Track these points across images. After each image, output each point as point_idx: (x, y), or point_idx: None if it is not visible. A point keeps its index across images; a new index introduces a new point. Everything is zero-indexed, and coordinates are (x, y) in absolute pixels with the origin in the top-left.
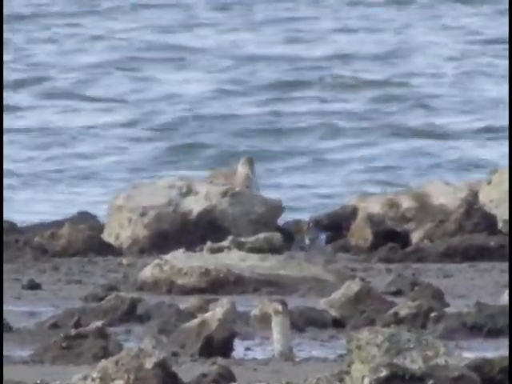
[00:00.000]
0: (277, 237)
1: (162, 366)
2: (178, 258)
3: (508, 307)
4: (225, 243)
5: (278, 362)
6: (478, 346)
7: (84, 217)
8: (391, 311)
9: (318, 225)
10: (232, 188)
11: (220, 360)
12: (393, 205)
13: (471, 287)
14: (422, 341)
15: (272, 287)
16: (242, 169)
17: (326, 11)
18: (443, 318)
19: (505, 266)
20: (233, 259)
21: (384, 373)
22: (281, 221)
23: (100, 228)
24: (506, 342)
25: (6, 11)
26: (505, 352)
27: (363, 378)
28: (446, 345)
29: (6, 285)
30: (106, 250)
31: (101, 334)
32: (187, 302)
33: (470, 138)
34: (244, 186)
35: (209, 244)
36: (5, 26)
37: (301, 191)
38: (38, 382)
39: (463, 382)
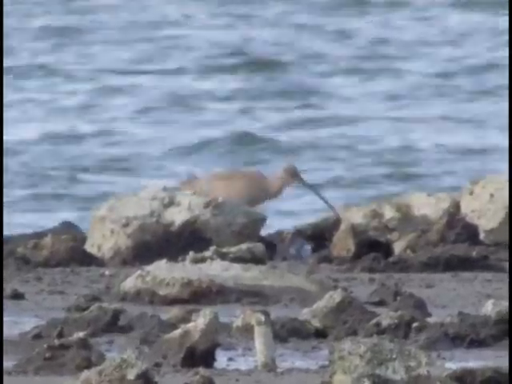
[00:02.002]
0: (259, 247)
1: (144, 376)
2: (160, 268)
3: (491, 317)
4: (207, 253)
5: (260, 373)
6: (461, 356)
7: (67, 227)
8: (373, 321)
9: (301, 235)
10: (215, 199)
11: (202, 371)
12: (375, 215)
13: (453, 297)
14: (405, 351)
15: (254, 297)
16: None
17: None
18: (425, 328)
19: (487, 275)
20: (215, 269)
21: (366, 383)
22: (263, 231)
23: (83, 239)
24: (488, 352)
25: None
26: (487, 362)
27: None
28: (429, 355)
29: None
30: (89, 260)
31: (84, 344)
32: (169, 313)
33: None
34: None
35: (191, 254)
36: None
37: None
38: None
39: None
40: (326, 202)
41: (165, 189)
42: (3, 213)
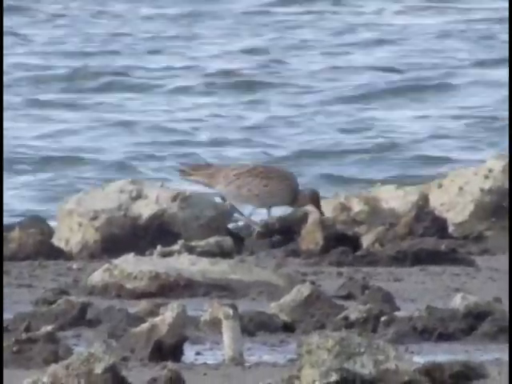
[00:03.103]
0: (227, 241)
1: (111, 370)
2: (127, 262)
3: (459, 311)
4: (175, 247)
5: (228, 367)
6: (429, 350)
7: (34, 221)
8: (342, 315)
9: (270, 228)
10: (182, 192)
11: (170, 365)
12: (343, 208)
13: (422, 291)
14: (373, 345)
15: (222, 291)
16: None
17: None
18: (394, 322)
19: (456, 269)
20: (183, 263)
21: (334, 377)
22: (231, 225)
23: (50, 232)
24: (456, 346)
25: None
26: (455, 356)
27: (314, 382)
28: (397, 349)
29: None
30: (57, 254)
31: (51, 338)
32: (137, 307)
33: None
34: None
35: (159, 248)
36: None
37: None
38: None
39: None
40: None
41: (132, 182)
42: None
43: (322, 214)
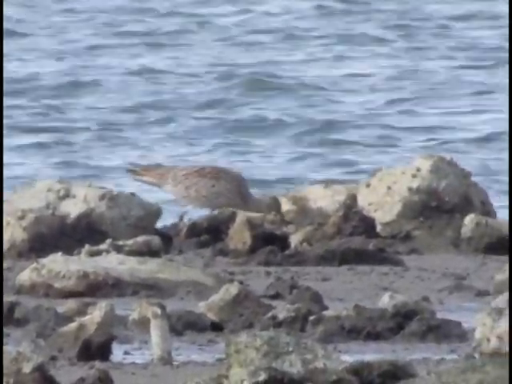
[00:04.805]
0: (155, 240)
1: (39, 369)
2: (55, 261)
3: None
4: (103, 246)
5: (156, 366)
6: (357, 350)
7: None
8: (270, 314)
9: (197, 228)
10: (110, 191)
11: (98, 364)
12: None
13: (350, 290)
14: (301, 344)
15: (151, 290)
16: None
17: None
18: (322, 321)
19: (384, 268)
20: (111, 262)
21: (263, 376)
22: (159, 224)
23: None
24: (384, 345)
25: None
26: (383, 355)
27: (242, 381)
28: (325, 348)
29: None
30: None
31: None
32: (65, 306)
33: None
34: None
35: (87, 247)
36: None
37: None
38: None
39: None
40: None
41: (60, 181)
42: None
43: (282, 219)
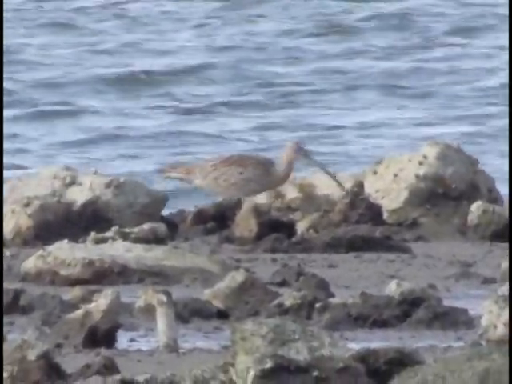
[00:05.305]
0: (161, 227)
1: (45, 357)
2: (61, 248)
3: (394, 297)
4: (109, 234)
5: (162, 354)
6: (363, 337)
7: None
8: (276, 302)
9: (203, 215)
10: (116, 179)
11: (104, 351)
12: (278, 195)
13: (356, 278)
14: (307, 332)
15: (157, 278)
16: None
17: None
18: (328, 309)
19: (390, 256)
20: (117, 250)
21: (269, 364)
22: (165, 211)
23: None
24: (390, 332)
25: None
26: (390, 343)
27: (248, 369)
28: (331, 335)
29: None
30: None
31: None
32: (71, 293)
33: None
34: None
35: (93, 235)
36: None
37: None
38: None
39: (348, 372)
40: (334, 178)
41: (66, 168)
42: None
43: (309, 159)
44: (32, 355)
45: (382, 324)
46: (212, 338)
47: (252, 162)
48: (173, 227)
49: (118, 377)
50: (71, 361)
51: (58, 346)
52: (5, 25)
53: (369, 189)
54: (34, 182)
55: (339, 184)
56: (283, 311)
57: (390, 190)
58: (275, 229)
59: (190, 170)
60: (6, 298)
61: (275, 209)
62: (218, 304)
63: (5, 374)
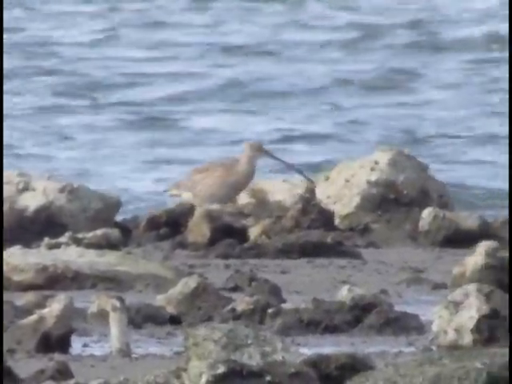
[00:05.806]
0: (114, 233)
1: None
2: (14, 254)
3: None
4: (62, 239)
5: (115, 359)
6: (315, 342)
7: None
8: (229, 307)
9: (156, 221)
10: (70, 184)
11: (57, 356)
12: (230, 200)
13: (308, 283)
14: (260, 337)
15: (110, 283)
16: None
17: None
18: (280, 314)
19: (342, 261)
20: (70, 255)
21: (221, 369)
22: (118, 217)
23: None
24: (342, 337)
25: None
26: (341, 348)
27: (201, 374)
28: (284, 341)
29: None
30: None
31: None
32: (24, 299)
33: None
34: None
35: (46, 240)
36: None
37: (138, 187)
38: None
39: (300, 377)
40: (301, 172)
41: (20, 174)
42: None
43: (271, 156)
44: None
45: (333, 329)
46: (165, 343)
47: (213, 166)
48: (126, 233)
49: (71, 382)
50: (24, 365)
51: (11, 350)
52: None
53: (320, 194)
54: None
55: (307, 178)
56: (236, 316)
57: (341, 196)
58: (228, 234)
59: (179, 185)
60: None
61: (227, 214)
62: (170, 310)
63: None
